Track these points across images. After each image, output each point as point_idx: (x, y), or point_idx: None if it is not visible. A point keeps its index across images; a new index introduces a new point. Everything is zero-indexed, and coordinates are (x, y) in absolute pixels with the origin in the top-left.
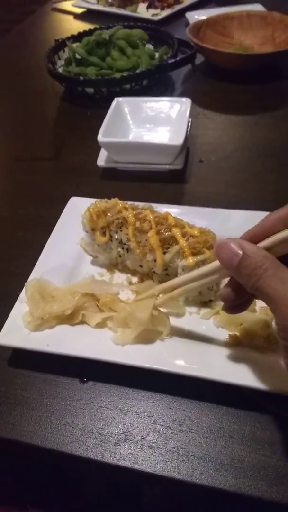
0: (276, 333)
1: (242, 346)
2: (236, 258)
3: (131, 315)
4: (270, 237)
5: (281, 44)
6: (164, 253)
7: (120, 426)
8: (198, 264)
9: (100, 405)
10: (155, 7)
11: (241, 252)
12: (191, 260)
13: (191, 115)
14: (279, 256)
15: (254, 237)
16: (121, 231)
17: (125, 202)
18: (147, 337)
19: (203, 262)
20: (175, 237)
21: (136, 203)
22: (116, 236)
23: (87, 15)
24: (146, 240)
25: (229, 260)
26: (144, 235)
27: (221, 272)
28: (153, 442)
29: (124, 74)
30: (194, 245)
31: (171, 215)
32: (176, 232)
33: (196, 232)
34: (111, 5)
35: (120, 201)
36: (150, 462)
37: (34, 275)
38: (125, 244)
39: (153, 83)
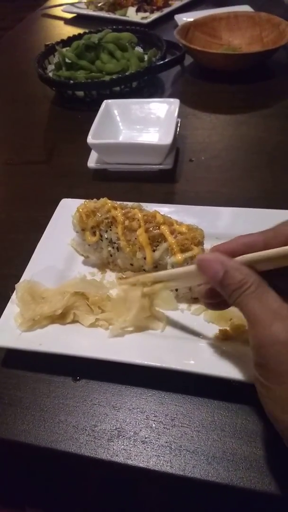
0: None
1: (232, 341)
2: (218, 275)
3: (124, 299)
4: (255, 252)
5: (269, 43)
6: (154, 250)
7: (113, 422)
8: (187, 261)
9: (93, 402)
10: (144, 10)
11: (222, 270)
12: (179, 257)
13: (180, 115)
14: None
15: (234, 252)
16: (110, 230)
17: (114, 201)
18: (140, 333)
19: (192, 259)
20: (164, 234)
21: (125, 203)
22: (106, 236)
23: (77, 20)
24: (135, 238)
25: (212, 277)
26: (133, 233)
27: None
28: (145, 438)
29: (114, 77)
30: (183, 242)
31: (160, 213)
32: (165, 229)
33: (184, 229)
34: (100, 9)
35: (109, 201)
36: (143, 457)
37: (25, 276)
38: (115, 243)
39: (143, 85)
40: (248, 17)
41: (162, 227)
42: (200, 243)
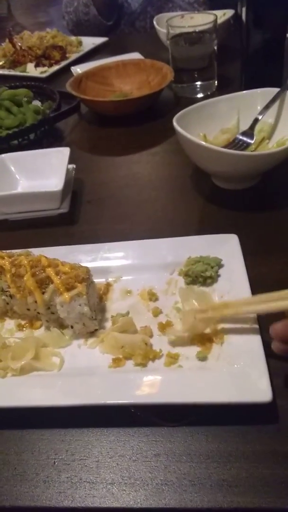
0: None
1: (125, 367)
2: None
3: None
4: None
5: (155, 86)
6: (43, 293)
7: (15, 468)
8: (73, 298)
9: None
10: (43, 65)
11: None
12: (66, 295)
13: (77, 160)
14: None
15: None
16: (0, 279)
17: (1, 251)
18: (37, 375)
19: (78, 296)
20: (50, 276)
21: (14, 251)
22: None
23: None
24: (24, 284)
25: None
26: (21, 279)
27: None
28: (47, 477)
29: (10, 132)
30: (67, 281)
31: (44, 257)
32: (50, 271)
33: (67, 268)
34: (2, 67)
35: None
36: (45, 496)
37: None
38: (7, 291)
39: (41, 136)
40: (135, 64)
41: (48, 269)
42: (84, 280)
